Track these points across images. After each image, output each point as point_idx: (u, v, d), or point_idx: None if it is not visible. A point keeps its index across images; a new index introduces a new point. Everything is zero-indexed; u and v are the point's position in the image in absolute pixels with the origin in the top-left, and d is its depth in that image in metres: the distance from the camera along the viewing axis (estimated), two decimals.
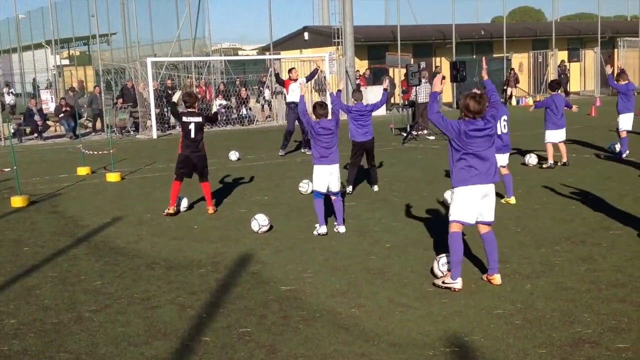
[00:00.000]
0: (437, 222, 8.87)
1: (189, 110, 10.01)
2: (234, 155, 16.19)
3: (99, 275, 7.27)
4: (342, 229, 8.70)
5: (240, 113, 26.89)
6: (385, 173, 13.17)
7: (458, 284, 6.16)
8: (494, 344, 4.99)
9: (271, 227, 8.90)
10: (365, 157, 11.39)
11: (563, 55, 38.08)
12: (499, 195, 9.62)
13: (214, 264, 7.53)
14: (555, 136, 12.84)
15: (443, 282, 6.25)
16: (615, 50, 37.44)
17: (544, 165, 12.89)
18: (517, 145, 15.56)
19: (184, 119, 9.95)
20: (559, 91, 13.02)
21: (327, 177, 8.54)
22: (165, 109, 24.01)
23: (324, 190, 8.58)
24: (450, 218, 6.31)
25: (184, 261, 7.70)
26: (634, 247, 7.28)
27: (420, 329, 5.35)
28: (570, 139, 17.02)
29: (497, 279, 6.33)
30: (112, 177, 13.76)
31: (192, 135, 9.96)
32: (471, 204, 6.22)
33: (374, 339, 5.22)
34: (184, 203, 10.42)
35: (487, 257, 6.41)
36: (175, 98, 10.45)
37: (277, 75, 19.36)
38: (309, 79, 18.20)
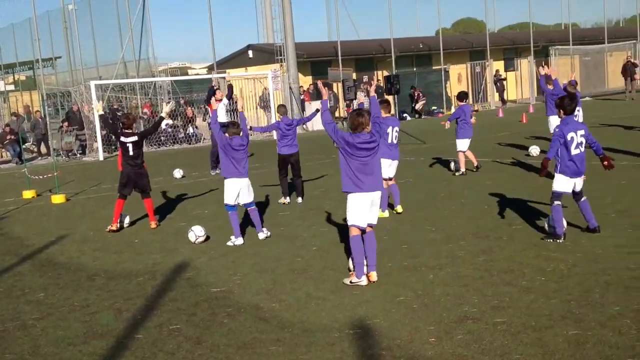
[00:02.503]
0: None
1: (126, 131, 10.58)
2: (178, 173, 16.73)
3: (43, 288, 7.78)
4: (261, 234, 9.35)
5: (187, 132, 27.38)
6: (322, 183, 13.90)
7: (363, 281, 6.87)
8: (392, 324, 5.72)
9: (208, 238, 9.51)
10: (290, 169, 12.04)
11: (499, 65, 39.58)
12: (389, 206, 10.37)
13: (152, 272, 8.11)
14: (466, 144, 13.63)
15: (350, 282, 6.94)
16: (549, 58, 39.10)
17: (456, 174, 13.69)
18: (440, 154, 16.52)
19: (122, 138, 10.53)
20: (466, 101, 13.95)
21: (237, 190, 9.20)
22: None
23: (233, 202, 9.21)
24: (349, 223, 7.00)
25: (123, 272, 8.26)
26: (530, 239, 8.13)
27: (331, 317, 6.05)
28: (498, 143, 18.11)
29: (373, 276, 6.94)
30: (57, 199, 14.17)
31: (131, 153, 10.53)
32: (364, 209, 6.91)
33: (289, 327, 5.90)
34: (127, 220, 10.95)
35: (367, 255, 6.97)
36: (166, 110, 11.11)
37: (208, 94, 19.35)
38: (228, 97, 18.75)
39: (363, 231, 7.02)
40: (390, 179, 10.35)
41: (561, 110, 7.98)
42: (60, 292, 7.60)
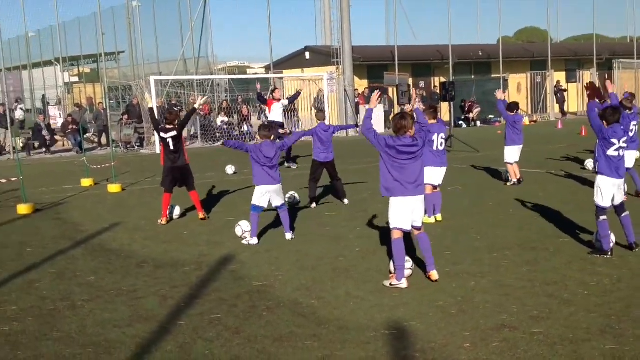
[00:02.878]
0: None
1: (167, 126, 10.78)
2: (230, 169, 17.02)
3: (93, 272, 8.07)
4: (288, 235, 9.46)
5: (242, 130, 27.76)
6: (371, 186, 13.93)
7: (403, 284, 6.92)
8: (428, 328, 5.76)
9: None
10: (328, 174, 12.05)
11: (561, 76, 38.88)
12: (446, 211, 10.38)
13: (197, 263, 8.32)
14: (512, 154, 13.48)
15: (390, 284, 7.00)
16: (612, 71, 38.22)
17: (507, 184, 13.56)
18: (492, 163, 16.35)
19: (162, 134, 10.75)
20: (517, 112, 13.80)
21: (268, 195, 9.37)
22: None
23: (260, 205, 9.37)
24: (391, 226, 7.09)
25: (170, 261, 8.49)
26: (576, 253, 8.03)
27: (368, 316, 6.12)
28: (554, 155, 17.83)
29: (434, 275, 7.08)
30: (113, 188, 14.60)
31: (171, 148, 10.76)
32: (405, 213, 6.98)
33: (326, 323, 5.99)
34: (177, 211, 11.23)
35: (424, 255, 7.19)
36: (200, 102, 11.40)
37: (259, 95, 19.69)
38: (290, 100, 19.03)
39: (406, 234, 7.07)
40: (435, 187, 10.30)
41: (604, 122, 7.92)
42: (110, 276, 7.86)
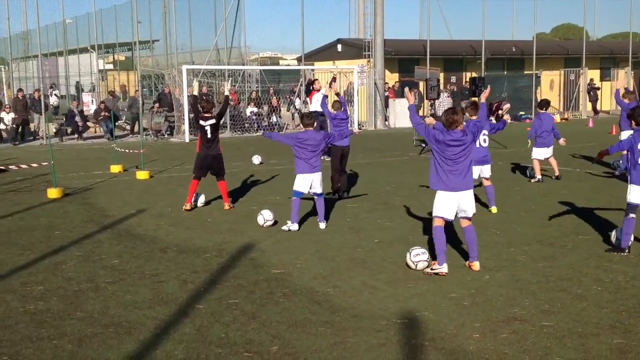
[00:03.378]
0: (426, 224, 9.70)
1: (205, 115, 10.99)
2: (256, 160, 17.21)
3: (118, 256, 8.30)
4: (322, 225, 9.66)
5: (271, 120, 27.96)
6: (394, 180, 14.03)
7: (444, 268, 7.10)
8: (439, 318, 5.86)
9: (276, 222, 9.83)
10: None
11: (595, 74, 38.36)
12: (484, 205, 10.52)
13: (219, 250, 8.50)
14: (542, 153, 13.46)
15: (431, 269, 7.16)
16: None
17: (532, 180, 13.54)
18: (519, 158, 16.29)
19: (201, 122, 10.96)
20: (546, 110, 13.73)
21: (309, 183, 9.54)
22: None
23: (303, 190, 9.55)
24: (434, 214, 7.30)
25: (193, 247, 8.68)
26: (594, 250, 8.05)
27: (382, 306, 6.24)
28: (581, 154, 17.68)
29: (475, 265, 7.30)
30: (142, 175, 14.88)
31: (209, 136, 10.97)
32: (450, 204, 7.14)
33: (340, 311, 6.12)
34: (202, 199, 11.43)
35: (468, 246, 7.40)
36: (228, 88, 11.57)
37: (308, 84, 19.92)
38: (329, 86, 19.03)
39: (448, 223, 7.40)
40: (486, 179, 10.61)
41: (633, 122, 7.86)
42: (134, 260, 8.08)
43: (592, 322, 5.65)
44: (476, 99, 12.15)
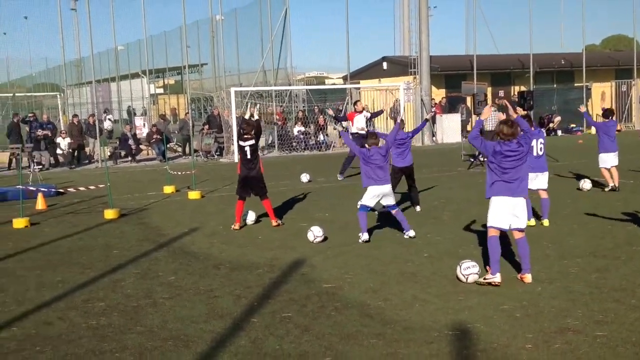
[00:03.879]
0: (475, 238, 9.71)
1: (245, 136, 11.21)
2: (305, 178, 17.42)
3: (174, 273, 8.54)
4: (411, 233, 9.90)
5: (318, 139, 28.22)
6: (443, 195, 14.04)
7: (497, 278, 7.18)
8: (491, 330, 5.89)
9: (325, 238, 9.97)
10: (405, 179, 12.36)
11: None
12: (535, 217, 10.49)
13: (270, 266, 8.67)
14: (605, 160, 13.42)
15: (485, 278, 7.26)
16: None
17: (605, 189, 13.51)
18: (570, 170, 16.12)
19: (241, 143, 11.21)
20: (612, 118, 13.65)
21: (378, 195, 9.83)
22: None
23: (369, 205, 9.83)
24: (488, 224, 7.42)
25: (245, 264, 8.87)
26: None
27: (433, 318, 6.29)
28: (635, 167, 17.38)
29: (527, 278, 7.33)
30: (193, 195, 15.22)
31: (249, 157, 11.19)
32: (504, 213, 7.23)
33: (392, 324, 6.20)
34: (251, 216, 11.66)
35: (520, 259, 7.45)
36: (248, 115, 11.73)
37: (336, 116, 18.48)
38: (373, 116, 19.02)
39: (503, 233, 7.51)
40: (543, 190, 10.63)
41: None
42: (189, 277, 8.31)
43: None
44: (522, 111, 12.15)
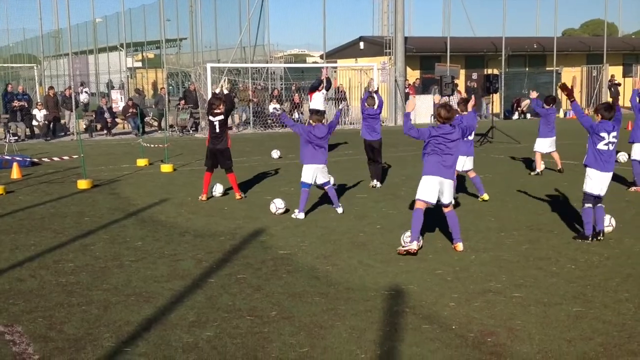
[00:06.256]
0: (428, 212, 10.35)
1: (214, 111, 11.75)
2: (275, 154, 18.01)
3: (141, 239, 9.11)
4: (339, 209, 10.47)
5: (293, 117, 28.72)
6: (405, 172, 14.69)
7: (413, 245, 7.80)
8: (423, 290, 6.56)
9: (287, 210, 10.58)
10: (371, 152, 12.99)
11: (617, 70, 38.53)
12: (474, 196, 11.16)
13: (232, 234, 9.28)
14: (542, 145, 14.13)
15: (402, 247, 7.86)
16: None
17: (532, 173, 14.19)
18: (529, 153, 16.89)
19: (210, 117, 11.76)
20: (553, 106, 14.35)
21: (314, 173, 10.38)
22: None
23: (309, 182, 10.41)
24: (417, 197, 8.03)
25: (209, 232, 9.47)
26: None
27: (373, 280, 6.95)
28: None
29: (459, 246, 8.00)
30: (166, 168, 15.74)
31: (217, 130, 11.75)
32: (434, 188, 7.83)
33: (336, 285, 6.85)
34: (219, 189, 12.24)
35: (451, 229, 8.10)
36: (218, 89, 12.22)
37: (316, 82, 19.30)
38: (327, 88, 19.46)
39: (429, 208, 8.11)
40: (468, 172, 11.27)
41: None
42: (155, 242, 8.88)
43: (558, 294, 6.31)
44: (464, 95, 12.80)
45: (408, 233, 8.05)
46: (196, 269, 7.60)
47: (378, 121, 12.97)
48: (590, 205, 8.39)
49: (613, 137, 8.37)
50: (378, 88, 28.98)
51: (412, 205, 10.37)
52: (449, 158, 7.90)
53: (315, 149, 10.28)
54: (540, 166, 14.09)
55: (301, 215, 10.23)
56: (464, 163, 11.00)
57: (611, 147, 8.40)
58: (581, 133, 22.17)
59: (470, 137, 11.05)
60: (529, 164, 15.56)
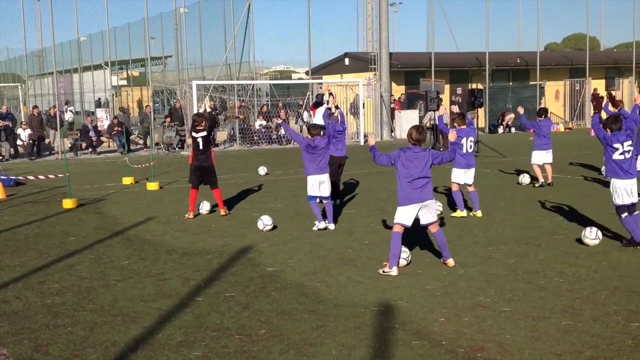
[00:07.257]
0: (414, 227, 10.35)
1: (197, 127, 11.75)
2: (262, 170, 17.98)
3: (127, 258, 9.03)
4: (331, 226, 10.44)
5: (279, 133, 28.74)
6: (392, 188, 14.65)
7: (394, 271, 7.70)
8: (412, 306, 6.54)
9: (275, 227, 10.55)
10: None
11: (600, 83, 38.90)
12: (467, 209, 11.21)
13: (220, 252, 9.22)
14: (538, 157, 14.23)
15: (383, 272, 7.78)
16: None
17: (535, 185, 14.26)
18: (515, 166, 16.96)
19: (194, 134, 11.75)
20: (545, 117, 14.48)
21: (318, 183, 10.40)
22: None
23: (315, 194, 10.43)
24: (394, 221, 7.92)
25: (196, 250, 9.41)
26: (566, 248, 8.71)
27: (362, 297, 6.92)
28: (578, 162, 18.29)
29: (450, 262, 7.98)
30: (152, 186, 15.67)
31: (201, 147, 11.73)
32: (411, 213, 7.79)
33: (325, 302, 6.82)
34: (206, 206, 12.19)
35: (440, 248, 8.10)
36: (202, 109, 12.25)
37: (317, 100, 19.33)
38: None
39: (407, 229, 7.94)
40: (469, 185, 11.36)
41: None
42: (141, 261, 8.81)
43: (547, 308, 6.31)
44: (455, 109, 12.83)
45: (405, 254, 8.03)
46: (183, 287, 7.54)
47: (344, 137, 12.96)
48: (626, 214, 8.53)
49: (628, 145, 8.50)
50: (364, 103, 29.15)
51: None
52: (423, 182, 7.74)
53: (317, 160, 10.38)
54: (541, 177, 14.25)
55: (322, 225, 10.39)
56: (466, 175, 11.20)
57: (627, 156, 8.52)
58: (575, 146, 22.42)
59: (470, 150, 11.18)
60: (514, 177, 15.62)
